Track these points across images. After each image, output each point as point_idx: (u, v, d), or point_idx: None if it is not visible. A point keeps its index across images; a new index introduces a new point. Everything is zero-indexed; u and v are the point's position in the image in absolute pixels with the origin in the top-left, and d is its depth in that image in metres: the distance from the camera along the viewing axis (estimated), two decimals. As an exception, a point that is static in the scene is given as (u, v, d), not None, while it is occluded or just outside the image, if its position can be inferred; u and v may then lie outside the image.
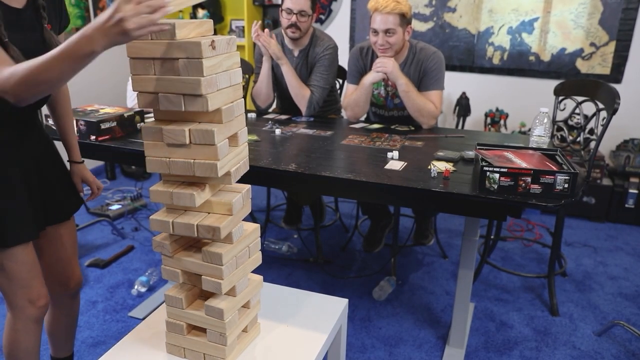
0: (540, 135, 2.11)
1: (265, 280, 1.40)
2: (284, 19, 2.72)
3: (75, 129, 2.20)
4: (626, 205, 3.49)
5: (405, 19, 2.46)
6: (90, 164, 4.23)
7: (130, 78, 1.59)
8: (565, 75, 3.75)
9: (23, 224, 1.46)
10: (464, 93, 3.97)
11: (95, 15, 4.16)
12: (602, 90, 2.45)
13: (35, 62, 1.14)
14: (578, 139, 2.66)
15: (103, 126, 2.21)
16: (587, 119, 2.53)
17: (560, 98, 2.69)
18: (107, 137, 2.24)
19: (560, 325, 2.43)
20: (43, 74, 1.14)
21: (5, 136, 1.44)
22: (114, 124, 2.26)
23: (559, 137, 3.34)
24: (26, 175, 1.49)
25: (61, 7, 1.55)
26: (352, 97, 2.65)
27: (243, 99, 1.22)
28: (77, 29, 3.96)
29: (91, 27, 1.04)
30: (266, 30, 2.70)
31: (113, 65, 4.32)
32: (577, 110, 2.60)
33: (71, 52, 1.08)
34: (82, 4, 4.03)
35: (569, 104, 2.68)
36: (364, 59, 2.69)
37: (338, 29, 4.33)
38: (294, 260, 3.01)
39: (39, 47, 1.39)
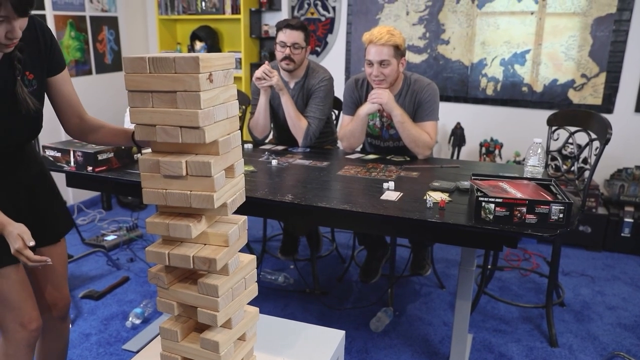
0: (534, 165, 2.13)
1: (261, 311, 1.39)
2: (279, 52, 2.77)
3: (72, 159, 2.22)
4: (622, 234, 3.50)
5: (399, 51, 2.50)
6: (87, 194, 4.24)
7: (127, 110, 1.61)
8: (558, 105, 3.81)
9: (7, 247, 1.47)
10: (458, 123, 4.01)
11: (95, 48, 4.22)
12: (594, 120, 2.48)
13: None
14: (572, 169, 2.69)
15: (100, 157, 2.22)
16: (581, 148, 2.56)
17: (554, 128, 2.72)
18: (104, 167, 2.24)
19: (560, 357, 2.40)
20: None
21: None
22: (111, 155, 2.27)
23: (553, 166, 3.37)
24: (15, 201, 1.52)
25: (52, 51, 1.53)
26: (348, 128, 2.68)
27: (240, 130, 1.23)
28: (77, 62, 4.03)
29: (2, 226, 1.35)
30: (266, 62, 2.74)
31: (110, 97, 4.37)
32: (570, 140, 2.63)
33: None
34: (81, 37, 4.09)
35: (562, 133, 2.71)
36: (360, 91, 2.73)
37: (333, 61, 4.40)
38: (291, 291, 2.99)
39: (5, 98, 1.42)
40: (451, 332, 2.17)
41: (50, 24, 3.79)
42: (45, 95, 1.58)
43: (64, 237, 1.74)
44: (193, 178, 1.11)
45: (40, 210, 1.61)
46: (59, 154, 2.26)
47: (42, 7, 3.72)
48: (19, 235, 1.35)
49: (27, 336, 1.55)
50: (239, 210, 1.28)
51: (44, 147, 2.31)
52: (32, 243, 1.35)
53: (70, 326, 1.85)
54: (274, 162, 2.49)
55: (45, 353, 1.82)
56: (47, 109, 1.58)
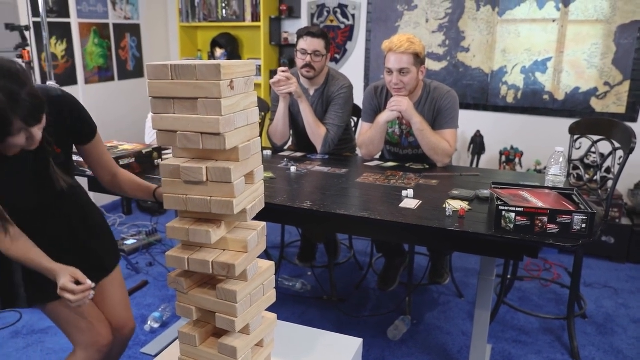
0: (556, 175, 2.10)
1: (278, 318, 1.39)
2: (299, 59, 2.78)
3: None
4: (646, 246, 3.42)
5: (419, 59, 2.50)
6: (108, 198, 4.29)
7: (149, 115, 1.62)
8: (580, 114, 3.75)
9: (49, 285, 1.53)
10: (478, 131, 3.98)
11: (117, 54, 4.29)
12: (618, 129, 2.44)
13: (32, 259, 1.45)
14: (595, 178, 2.64)
15: (122, 162, 2.25)
16: (604, 157, 2.52)
17: (576, 137, 2.68)
18: (125, 173, 2.27)
19: (581, 370, 2.36)
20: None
21: (34, 219, 1.55)
22: (133, 160, 2.30)
23: (575, 175, 3.32)
24: (60, 244, 1.61)
25: (79, 123, 1.56)
26: (367, 135, 2.68)
27: (259, 137, 1.24)
28: (100, 68, 4.11)
29: (51, 271, 1.42)
30: (286, 69, 2.75)
31: (132, 103, 4.43)
32: (593, 149, 2.59)
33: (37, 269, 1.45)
34: (104, 44, 4.16)
35: (585, 142, 2.67)
36: (379, 98, 2.73)
37: (353, 68, 4.40)
38: (308, 298, 2.98)
39: (36, 178, 1.49)
40: (470, 342, 2.15)
41: (75, 31, 3.86)
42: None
43: (118, 267, 1.82)
44: (213, 184, 1.12)
45: (84, 248, 1.68)
46: (81, 159, 2.30)
47: (67, 16, 3.80)
48: (70, 274, 1.41)
49: (98, 351, 1.67)
50: (258, 217, 1.28)
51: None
52: (89, 282, 1.42)
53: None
54: (293, 168, 2.50)
55: None
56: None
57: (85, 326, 1.63)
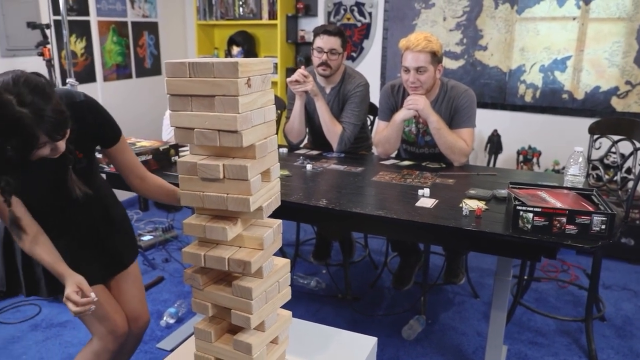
0: (575, 175, 2.07)
1: (293, 315, 1.39)
2: (315, 58, 2.78)
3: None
4: (667, 248, 3.36)
5: (436, 57, 2.48)
6: (125, 194, 4.33)
7: (166, 112, 1.64)
8: (600, 113, 3.69)
9: (89, 270, 1.60)
10: (495, 130, 3.94)
11: (135, 52, 4.33)
12: (639, 129, 2.40)
13: (44, 260, 1.50)
14: (615, 178, 2.60)
15: (139, 159, 2.26)
16: (624, 158, 2.48)
17: (596, 136, 2.64)
18: (142, 169, 2.29)
19: (599, 373, 2.33)
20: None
21: (54, 216, 1.60)
22: (150, 157, 2.32)
23: (595, 176, 3.27)
24: (79, 240, 1.68)
25: (103, 127, 1.59)
26: (383, 134, 2.67)
27: (276, 134, 1.24)
28: (118, 66, 4.15)
29: (60, 277, 1.48)
30: (302, 67, 2.75)
31: (150, 100, 4.47)
32: (613, 149, 2.55)
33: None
34: (123, 42, 4.20)
35: (605, 142, 2.63)
36: (395, 97, 2.72)
37: (369, 67, 4.39)
38: (322, 296, 2.99)
39: (56, 182, 1.52)
40: (485, 343, 2.13)
41: (94, 29, 3.91)
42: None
43: (135, 262, 1.88)
44: (230, 181, 1.12)
45: (103, 244, 1.73)
46: (100, 155, 2.32)
47: (87, 14, 3.84)
48: (75, 283, 1.45)
49: (114, 340, 1.72)
50: (274, 214, 1.29)
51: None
52: (92, 295, 1.46)
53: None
54: (309, 166, 2.50)
55: None
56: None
57: (103, 315, 1.67)
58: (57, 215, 1.61)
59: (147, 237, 3.67)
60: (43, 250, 1.50)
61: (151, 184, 1.71)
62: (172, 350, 1.82)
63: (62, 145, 1.37)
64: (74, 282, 1.45)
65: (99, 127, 1.57)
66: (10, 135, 1.25)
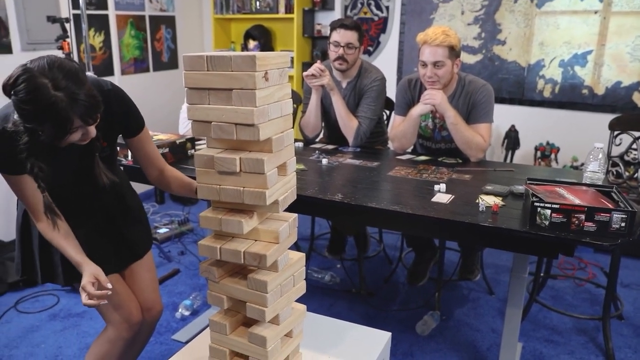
0: (594, 171, 2.04)
1: (307, 309, 1.39)
2: (332, 52, 2.77)
3: (130, 153, 2.30)
4: (688, 247, 3.30)
5: (454, 52, 2.46)
6: (142, 187, 4.37)
7: (183, 106, 1.65)
8: (621, 109, 3.63)
9: (106, 260, 1.63)
10: (513, 126, 3.90)
11: (153, 46, 4.35)
12: (661, 125, 2.36)
13: (54, 242, 1.52)
14: (635, 175, 2.56)
15: (156, 152, 2.28)
16: (645, 155, 2.44)
17: (616, 133, 2.60)
18: (159, 162, 2.31)
19: (616, 372, 2.30)
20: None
21: (76, 204, 1.62)
22: (167, 150, 2.33)
23: (614, 173, 3.22)
24: (95, 227, 1.69)
25: (127, 116, 1.61)
26: (400, 128, 2.65)
27: (292, 128, 1.24)
28: (135, 60, 4.18)
29: (79, 267, 1.48)
30: (318, 61, 2.75)
31: (167, 94, 4.50)
32: (634, 146, 2.51)
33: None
34: (140, 36, 4.23)
35: (625, 139, 2.59)
36: (412, 91, 2.70)
37: (386, 61, 4.37)
38: (336, 291, 2.99)
39: (81, 170, 1.55)
40: (500, 340, 2.11)
41: (112, 23, 3.94)
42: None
43: (150, 252, 1.88)
44: (246, 175, 1.13)
45: (119, 234, 1.75)
46: (117, 148, 2.34)
47: (105, 7, 3.87)
48: (92, 274, 1.46)
49: (129, 328, 1.74)
50: (289, 208, 1.29)
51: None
52: (109, 285, 1.46)
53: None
54: (324, 161, 2.50)
55: (127, 351, 1.91)
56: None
57: (118, 303, 1.69)
58: (79, 203, 1.63)
59: (163, 230, 3.71)
60: (64, 238, 1.52)
61: (169, 176, 1.73)
62: (187, 342, 1.84)
63: (92, 130, 1.38)
64: (91, 273, 1.46)
65: (124, 115, 1.59)
66: (45, 119, 1.27)
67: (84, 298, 1.43)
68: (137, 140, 1.66)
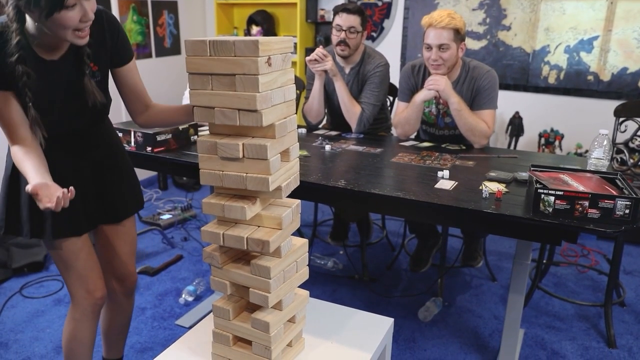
0: (599, 158, 2.03)
1: (310, 295, 1.40)
2: (334, 36, 2.76)
3: (133, 139, 2.30)
4: (691, 234, 3.30)
5: (459, 35, 2.43)
6: (145, 174, 4.38)
7: (185, 92, 1.64)
8: (627, 95, 3.61)
9: (71, 220, 1.57)
10: (517, 112, 3.88)
11: (155, 31, 4.33)
12: (667, 112, 2.34)
13: (19, 164, 1.42)
14: (640, 163, 2.55)
15: (159, 138, 2.28)
16: (650, 141, 2.42)
17: (621, 119, 2.58)
18: (162, 148, 2.31)
19: (618, 358, 2.31)
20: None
21: (59, 147, 1.55)
22: (169, 136, 2.33)
23: (619, 159, 3.21)
24: (80, 179, 1.58)
25: (119, 43, 1.57)
26: (403, 115, 2.64)
27: (295, 114, 1.23)
28: (138, 45, 4.15)
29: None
30: (320, 46, 2.73)
31: (169, 80, 4.48)
32: (639, 133, 2.49)
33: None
34: (142, 21, 4.20)
35: (631, 125, 2.57)
36: (416, 77, 2.68)
37: (390, 47, 4.33)
38: (339, 277, 3.00)
39: (74, 95, 1.48)
40: (502, 326, 2.12)
41: (115, 8, 3.91)
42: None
43: (131, 217, 1.80)
44: (249, 160, 1.12)
45: (105, 190, 1.68)
46: (120, 134, 2.35)
47: (107, -8, 3.85)
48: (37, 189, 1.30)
49: (93, 303, 1.68)
50: (292, 194, 1.28)
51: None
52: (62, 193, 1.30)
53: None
54: (327, 147, 2.49)
55: (109, 324, 1.94)
56: (112, 90, 1.64)
57: (81, 274, 1.64)
58: (64, 148, 1.56)
59: (166, 216, 3.72)
60: (36, 157, 1.41)
61: (157, 109, 1.68)
62: (190, 327, 1.85)
63: (90, 13, 1.35)
64: (38, 187, 1.30)
65: (115, 40, 1.55)
66: None
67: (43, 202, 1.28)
68: (126, 70, 1.61)
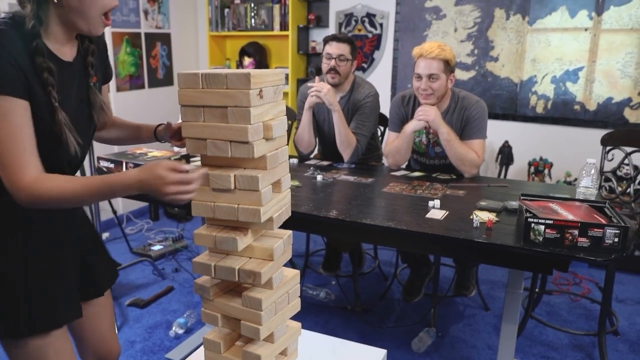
0: (587, 187, 2.06)
1: (302, 326, 1.38)
2: (324, 64, 2.80)
3: (124, 170, 2.29)
4: (682, 261, 3.31)
5: (448, 67, 2.48)
6: (136, 204, 4.36)
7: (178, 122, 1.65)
8: (613, 124, 3.67)
9: (71, 303, 1.39)
10: (506, 142, 3.92)
11: (148, 63, 4.37)
12: (652, 141, 2.38)
13: (69, 187, 1.17)
14: (628, 191, 2.58)
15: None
16: (638, 169, 2.45)
17: (608, 148, 2.62)
18: (153, 179, 2.30)
19: (613, 388, 2.29)
20: (72, 199, 1.19)
21: (56, 219, 1.37)
22: (161, 166, 2.33)
23: (607, 188, 3.24)
24: (69, 256, 1.41)
25: (106, 58, 1.53)
26: (394, 145, 2.67)
27: (287, 145, 1.24)
28: (131, 77, 4.19)
29: (134, 183, 1.16)
30: (316, 78, 2.77)
31: (162, 111, 4.51)
32: (626, 161, 2.53)
33: (109, 193, 1.19)
34: (136, 52, 4.25)
35: (617, 154, 2.61)
36: (406, 107, 2.72)
37: (380, 78, 4.40)
38: (332, 307, 2.97)
39: (82, 106, 1.37)
40: (496, 356, 2.10)
41: (108, 40, 3.96)
42: None
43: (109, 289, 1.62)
44: (241, 192, 1.13)
45: (88, 265, 1.49)
46: (112, 165, 2.35)
47: (101, 24, 3.89)
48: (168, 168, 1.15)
49: None
50: (283, 225, 1.29)
51: (99, 158, 2.40)
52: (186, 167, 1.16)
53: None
54: (319, 177, 2.50)
55: None
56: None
57: None
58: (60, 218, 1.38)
59: (157, 247, 3.69)
60: (72, 178, 1.22)
61: (117, 122, 1.63)
62: (181, 360, 1.82)
63: None
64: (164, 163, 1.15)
65: (105, 57, 1.51)
66: None
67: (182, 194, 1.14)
68: (104, 89, 1.53)
